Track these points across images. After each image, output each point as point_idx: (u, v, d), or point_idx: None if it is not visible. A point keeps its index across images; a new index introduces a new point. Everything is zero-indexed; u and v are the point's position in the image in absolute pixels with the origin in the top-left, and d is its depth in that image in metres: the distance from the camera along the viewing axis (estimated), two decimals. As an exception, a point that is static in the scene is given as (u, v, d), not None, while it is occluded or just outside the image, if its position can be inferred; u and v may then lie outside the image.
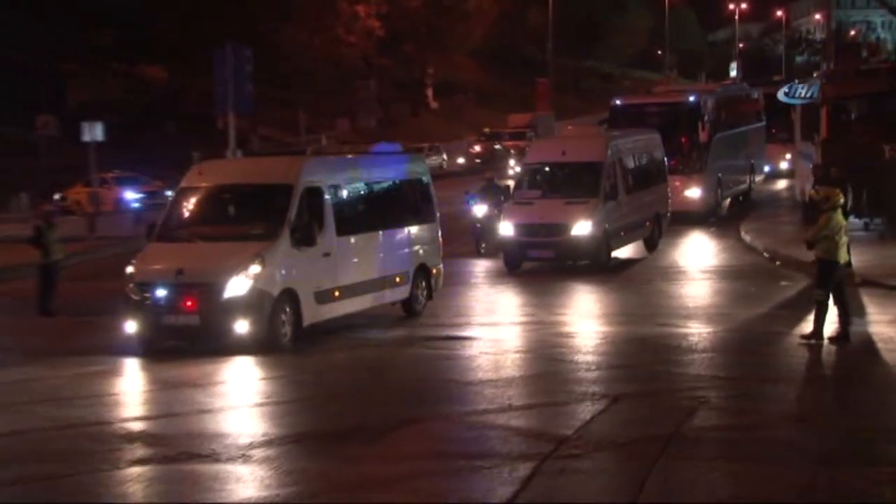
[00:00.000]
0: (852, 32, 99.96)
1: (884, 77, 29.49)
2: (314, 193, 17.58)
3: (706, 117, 32.76)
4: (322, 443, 11.92)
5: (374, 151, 21.52)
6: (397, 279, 19.25)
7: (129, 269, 17.08)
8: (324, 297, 17.52)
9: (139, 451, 11.62)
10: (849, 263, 17.51)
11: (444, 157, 63.31)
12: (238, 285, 16.22)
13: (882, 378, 14.54)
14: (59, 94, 60.72)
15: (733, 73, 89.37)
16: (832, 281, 16.04)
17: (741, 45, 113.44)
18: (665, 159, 29.02)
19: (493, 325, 19.20)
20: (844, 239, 16.31)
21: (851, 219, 23.14)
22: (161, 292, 16.42)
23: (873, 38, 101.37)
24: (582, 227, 23.67)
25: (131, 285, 16.81)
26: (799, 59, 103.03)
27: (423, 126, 74.37)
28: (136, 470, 10.83)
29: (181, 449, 11.52)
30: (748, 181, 38.23)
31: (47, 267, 20.65)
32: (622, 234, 25.32)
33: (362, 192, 19.28)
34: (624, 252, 26.40)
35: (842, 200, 16.43)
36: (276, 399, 14.28)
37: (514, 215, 24.66)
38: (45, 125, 51.69)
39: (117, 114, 54.46)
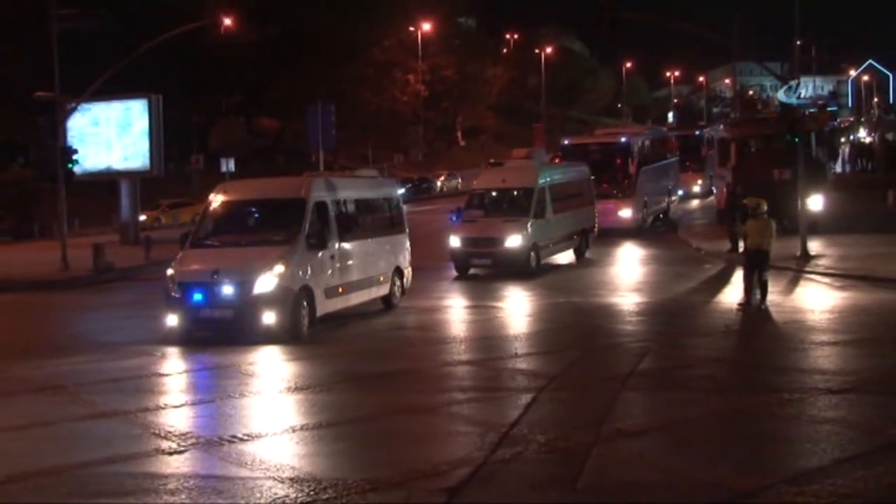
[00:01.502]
0: (751, 92, 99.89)
1: (772, 123, 29.41)
2: (321, 206, 15.76)
3: (634, 154, 30.53)
4: (373, 382, 11.57)
5: (359, 176, 19.42)
6: (381, 278, 17.30)
7: (170, 272, 15.00)
8: (331, 292, 15.61)
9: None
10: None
11: (460, 180, 61.90)
12: (266, 282, 14.27)
13: (773, 331, 14.47)
14: (203, 139, 61.12)
15: (670, 120, 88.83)
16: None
17: (675, 100, 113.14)
18: (592, 186, 26.50)
19: (479, 305, 18.23)
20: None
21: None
22: (199, 290, 14.43)
23: (765, 95, 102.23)
24: (514, 241, 21.43)
25: (172, 285, 14.73)
26: (715, 109, 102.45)
27: (455, 158, 74.19)
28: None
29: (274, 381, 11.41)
30: (667, 202, 35.57)
31: None
32: (551, 245, 22.99)
33: (355, 207, 17.13)
34: (565, 258, 24.31)
35: (766, 207, 16.00)
36: (325, 351, 13.75)
37: (461, 230, 22.19)
38: (196, 161, 52.11)
39: (243, 152, 54.77)
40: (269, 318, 14.20)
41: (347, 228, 16.33)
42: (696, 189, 42.79)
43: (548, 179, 23.35)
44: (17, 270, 25.86)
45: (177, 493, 7.47)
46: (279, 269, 14.43)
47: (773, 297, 16.08)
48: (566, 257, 24.46)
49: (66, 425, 9.76)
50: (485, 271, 22.06)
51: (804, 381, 10.87)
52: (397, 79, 71.27)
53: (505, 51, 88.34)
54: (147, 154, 35.27)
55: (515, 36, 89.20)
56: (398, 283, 17.93)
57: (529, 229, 21.69)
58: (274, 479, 7.67)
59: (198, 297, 14.43)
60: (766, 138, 28.80)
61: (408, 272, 18.42)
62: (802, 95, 28.86)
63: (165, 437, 9.09)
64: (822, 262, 21.32)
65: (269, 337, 14.10)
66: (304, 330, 14.59)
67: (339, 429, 9.25)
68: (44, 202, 38.27)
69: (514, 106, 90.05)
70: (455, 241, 22.16)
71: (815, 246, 22.83)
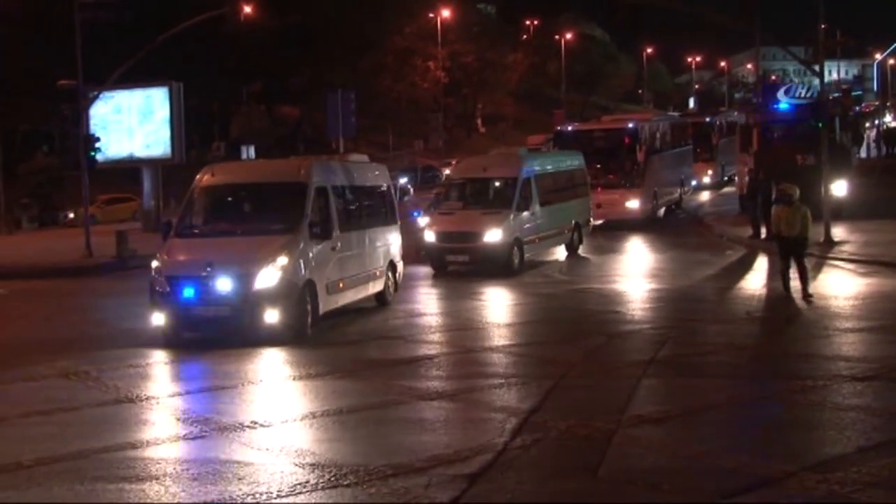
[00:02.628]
0: (773, 77, 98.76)
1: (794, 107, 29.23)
2: (322, 192, 14.15)
3: (642, 141, 28.11)
4: (392, 368, 11.48)
5: (349, 161, 16.86)
6: (377, 273, 15.79)
7: (155, 264, 13.34)
8: (332, 287, 14.08)
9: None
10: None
11: None
12: (268, 276, 12.71)
13: (796, 317, 14.29)
14: (225, 127, 61.32)
15: (691, 106, 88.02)
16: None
17: (697, 86, 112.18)
18: (586, 176, 24.34)
19: (487, 293, 17.97)
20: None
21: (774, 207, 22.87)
22: (191, 285, 12.73)
23: (788, 80, 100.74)
24: (493, 235, 19.28)
25: (160, 278, 13.03)
26: (737, 95, 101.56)
27: (474, 145, 73.72)
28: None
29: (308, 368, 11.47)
30: (679, 193, 33.42)
31: None
32: (537, 240, 20.77)
33: (352, 195, 15.54)
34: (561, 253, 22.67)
35: (797, 193, 15.34)
36: (344, 340, 13.56)
37: (436, 224, 20.14)
38: (217, 149, 52.39)
39: (264, 140, 54.90)
40: (271, 316, 12.70)
41: (347, 217, 14.90)
42: (707, 180, 40.52)
43: (534, 169, 21.35)
44: (42, 258, 26.11)
45: (199, 477, 7.50)
46: (282, 261, 12.90)
47: (796, 283, 15.89)
48: (585, 249, 23.40)
49: (90, 410, 9.82)
50: (464, 268, 19.92)
51: (828, 368, 10.76)
52: (417, 66, 71.02)
53: (525, 37, 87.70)
54: (168, 142, 35.45)
55: (535, 22, 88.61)
56: (391, 278, 16.43)
57: (511, 223, 19.68)
58: (295, 464, 7.68)
59: (189, 292, 12.78)
60: (788, 123, 28.48)
61: (400, 266, 17.03)
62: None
63: (188, 423, 9.14)
64: (846, 248, 21.09)
65: (270, 338, 12.72)
66: (309, 329, 13.25)
67: (360, 414, 9.25)
68: (68, 190, 38.58)
69: (534, 92, 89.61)
70: (430, 236, 20.02)
71: (838, 232, 22.58)
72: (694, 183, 37.94)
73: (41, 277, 22.82)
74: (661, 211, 30.95)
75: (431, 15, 70.60)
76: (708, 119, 43.35)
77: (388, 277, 16.26)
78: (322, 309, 13.74)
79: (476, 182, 21.39)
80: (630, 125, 28.85)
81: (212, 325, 13.01)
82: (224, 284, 12.71)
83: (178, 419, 9.32)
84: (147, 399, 10.22)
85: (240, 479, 7.44)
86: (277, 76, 64.55)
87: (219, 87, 59.29)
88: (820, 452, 7.78)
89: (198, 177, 14.66)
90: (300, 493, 7.07)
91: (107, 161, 31.73)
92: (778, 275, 15.92)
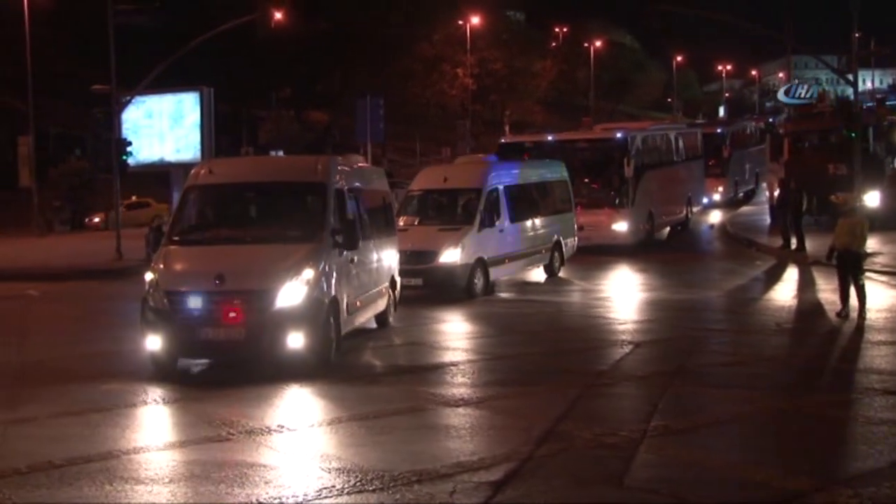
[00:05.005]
0: (806, 86, 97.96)
1: (828, 118, 29.07)
2: (339, 195, 12.20)
3: (634, 153, 23.89)
4: (417, 374, 11.44)
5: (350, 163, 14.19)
6: (383, 290, 13.77)
7: (150, 276, 11.26)
8: (351, 306, 12.20)
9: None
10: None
11: None
12: (292, 293, 10.72)
13: (826, 330, 14.17)
14: (253, 132, 61.78)
15: (721, 114, 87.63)
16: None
17: (727, 94, 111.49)
18: (569, 188, 21.14)
19: (510, 300, 18.36)
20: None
21: (805, 217, 22.76)
22: (197, 302, 10.75)
23: (820, 90, 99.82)
24: (450, 255, 16.68)
25: (157, 294, 10.95)
26: (768, 104, 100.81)
27: (503, 152, 74.09)
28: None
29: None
30: (685, 212, 28.82)
31: None
32: (507, 261, 18.16)
33: (361, 200, 13.29)
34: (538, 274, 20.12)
35: (856, 204, 14.36)
36: (362, 345, 13.48)
37: None
38: (246, 153, 52.68)
39: (293, 145, 55.20)
40: (295, 340, 10.75)
41: (363, 225, 12.83)
42: (717, 197, 35.52)
43: (503, 180, 18.59)
44: (73, 260, 26.41)
45: (226, 480, 7.56)
46: (308, 274, 10.93)
47: (826, 294, 15.75)
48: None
49: (120, 411, 9.94)
50: (416, 293, 16.69)
51: (860, 382, 10.70)
52: (446, 73, 71.30)
53: (554, 44, 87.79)
54: (198, 146, 35.86)
55: (564, 29, 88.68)
56: (392, 295, 14.38)
57: (472, 240, 17.12)
58: (321, 468, 7.74)
59: (194, 311, 10.78)
60: (820, 133, 28.31)
61: (399, 284, 14.94)
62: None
63: (214, 426, 9.19)
64: (879, 259, 20.82)
65: (291, 367, 10.92)
66: (333, 355, 11.39)
67: (385, 420, 9.28)
68: (100, 193, 39.02)
69: (563, 100, 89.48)
70: None
71: (871, 243, 22.17)
72: (706, 201, 33.75)
73: (72, 279, 23.09)
74: (665, 231, 27.79)
75: (460, 22, 70.81)
76: (719, 129, 38.11)
77: (389, 295, 14.26)
78: (343, 330, 11.95)
79: (435, 194, 18.61)
80: (618, 135, 24.60)
81: (221, 351, 11.02)
82: (238, 301, 10.68)
83: (206, 422, 9.37)
84: (176, 401, 10.33)
85: (266, 482, 7.50)
86: (307, 81, 65.07)
87: (248, 92, 59.88)
88: (851, 467, 7.73)
89: (193, 173, 12.63)
90: (326, 497, 7.12)
91: (138, 165, 32.10)
92: (809, 286, 15.75)
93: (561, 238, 20.27)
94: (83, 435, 9.00)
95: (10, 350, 13.48)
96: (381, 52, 62.20)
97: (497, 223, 17.87)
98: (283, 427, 9.05)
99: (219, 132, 53.78)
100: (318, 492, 7.20)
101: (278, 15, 34.28)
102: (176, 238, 11.82)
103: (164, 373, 11.13)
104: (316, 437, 8.87)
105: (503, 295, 18.04)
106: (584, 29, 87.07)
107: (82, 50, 43.81)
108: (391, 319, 14.46)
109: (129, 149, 27.56)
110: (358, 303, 12.59)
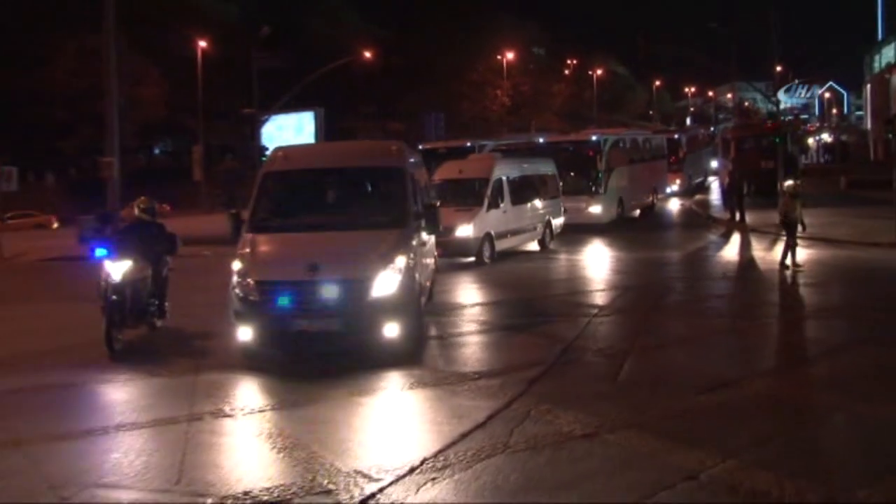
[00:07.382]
0: (746, 103, 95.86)
1: (761, 127, 29.59)
2: (413, 180, 9.29)
3: (606, 152, 22.77)
4: (476, 308, 11.24)
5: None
6: (427, 282, 9.94)
7: (237, 265, 8.17)
8: (423, 289, 9.36)
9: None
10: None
11: None
12: (388, 281, 7.93)
13: (758, 275, 14.18)
14: (349, 139, 62.27)
15: (688, 124, 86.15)
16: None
17: (692, 109, 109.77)
18: (557, 180, 20.10)
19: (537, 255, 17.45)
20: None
21: (745, 199, 22.96)
22: (291, 292, 7.80)
23: (757, 105, 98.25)
24: (464, 230, 15.95)
25: (247, 284, 7.96)
26: (721, 116, 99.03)
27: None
28: None
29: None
30: (652, 199, 27.46)
31: None
32: (508, 235, 17.35)
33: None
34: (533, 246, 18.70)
35: (799, 189, 14.23)
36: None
37: None
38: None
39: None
40: (391, 329, 7.97)
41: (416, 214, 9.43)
42: (675, 188, 34.12)
43: (506, 171, 17.79)
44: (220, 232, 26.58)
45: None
46: (401, 262, 8.08)
47: (758, 253, 15.74)
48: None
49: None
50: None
51: (783, 309, 10.69)
52: (488, 93, 71.53)
53: (567, 72, 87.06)
54: (315, 150, 36.43)
55: (574, 61, 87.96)
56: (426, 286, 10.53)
57: (481, 218, 16.34)
58: (407, 373, 7.67)
59: (288, 301, 7.82)
60: (755, 137, 28.54)
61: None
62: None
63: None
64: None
65: (389, 355, 7.96)
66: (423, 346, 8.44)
67: (456, 339, 9.46)
68: (246, 185, 40.11)
69: (573, 113, 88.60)
70: None
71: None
72: (668, 190, 32.35)
73: (232, 244, 23.60)
74: (637, 212, 25.94)
75: (499, 56, 71.00)
76: (676, 135, 37.12)
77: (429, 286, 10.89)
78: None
79: (452, 182, 17.57)
80: (594, 138, 23.73)
81: (315, 342, 8.16)
82: (333, 291, 7.80)
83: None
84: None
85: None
86: (388, 100, 65.56)
87: (346, 110, 60.36)
88: (772, 361, 7.86)
89: (269, 158, 9.73)
90: (417, 388, 7.31)
91: (273, 165, 32.79)
92: (747, 247, 15.84)
93: (551, 218, 19.44)
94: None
95: (201, 294, 12.31)
96: (441, 79, 62.31)
97: (501, 205, 17.10)
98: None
99: (327, 140, 54.78)
100: (437, 381, 7.35)
101: (367, 54, 34.86)
102: (259, 225, 8.71)
103: (260, 366, 7.85)
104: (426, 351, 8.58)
105: (507, 261, 16.67)
106: (589, 60, 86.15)
107: (235, 84, 44.67)
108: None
109: (265, 153, 28.40)
110: (427, 283, 9.93)
